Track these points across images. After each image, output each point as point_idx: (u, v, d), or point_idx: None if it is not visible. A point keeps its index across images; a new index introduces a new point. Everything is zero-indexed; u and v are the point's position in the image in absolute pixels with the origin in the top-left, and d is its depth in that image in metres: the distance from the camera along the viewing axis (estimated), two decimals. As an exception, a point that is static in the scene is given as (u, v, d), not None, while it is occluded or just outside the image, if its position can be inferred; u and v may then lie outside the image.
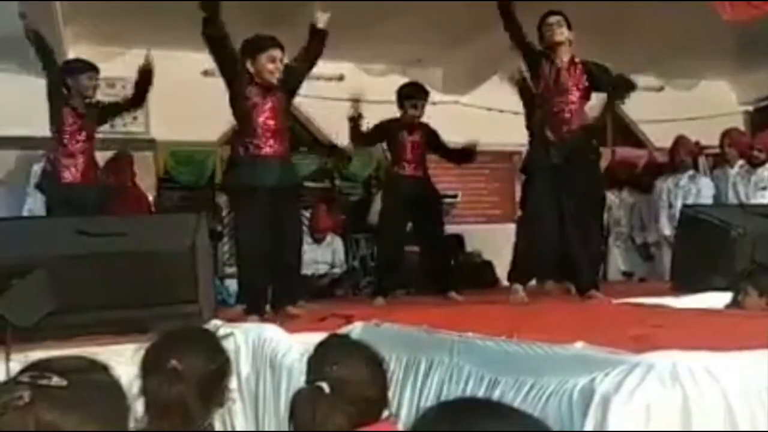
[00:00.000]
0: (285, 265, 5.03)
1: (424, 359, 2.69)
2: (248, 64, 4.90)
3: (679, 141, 7.67)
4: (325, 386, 2.17)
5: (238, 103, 4.95)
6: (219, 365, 2.46)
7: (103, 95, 7.57)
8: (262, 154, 4.90)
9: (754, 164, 7.05)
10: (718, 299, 3.90)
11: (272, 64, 4.89)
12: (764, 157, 6.97)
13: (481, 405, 1.33)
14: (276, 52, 4.90)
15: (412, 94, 6.04)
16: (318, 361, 2.32)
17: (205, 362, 2.40)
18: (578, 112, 5.20)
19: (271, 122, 4.94)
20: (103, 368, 1.42)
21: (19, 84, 6.92)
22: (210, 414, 2.41)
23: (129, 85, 6.72)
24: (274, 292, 5.02)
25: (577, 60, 5.23)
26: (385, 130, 6.09)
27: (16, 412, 1.26)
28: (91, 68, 5.89)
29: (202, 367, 2.38)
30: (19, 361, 2.41)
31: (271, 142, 4.93)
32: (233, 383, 3.28)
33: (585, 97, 5.24)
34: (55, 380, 1.31)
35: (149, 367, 2.37)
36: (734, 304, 3.76)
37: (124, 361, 2.14)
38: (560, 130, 5.13)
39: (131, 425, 1.58)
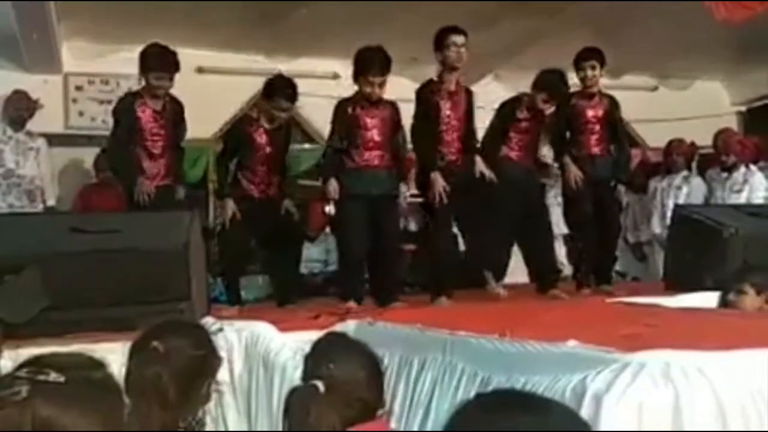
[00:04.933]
0: (383, 269, 5.26)
1: (417, 357, 2.70)
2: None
3: (673, 143, 7.71)
4: (320, 385, 2.17)
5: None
6: (203, 353, 2.47)
7: (97, 92, 7.61)
8: (364, 165, 5.10)
9: (723, 168, 7.09)
10: (710, 299, 3.91)
11: (370, 88, 5.04)
12: (731, 162, 7.03)
13: (518, 399, 1.29)
14: (375, 78, 5.04)
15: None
16: (315, 359, 2.33)
17: (189, 348, 2.42)
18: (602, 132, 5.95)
19: (375, 136, 5.11)
20: (101, 365, 1.43)
21: (14, 82, 6.91)
22: (193, 405, 2.41)
23: (123, 82, 6.72)
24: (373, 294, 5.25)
25: (603, 93, 5.91)
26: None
27: (13, 407, 1.27)
28: (160, 67, 5.28)
29: (185, 352, 2.40)
30: (11, 358, 2.41)
31: (375, 153, 5.11)
32: (226, 379, 3.30)
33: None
34: (53, 376, 1.31)
35: (133, 350, 2.41)
36: (723, 303, 3.76)
37: (116, 358, 2.14)
38: (590, 150, 5.90)
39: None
